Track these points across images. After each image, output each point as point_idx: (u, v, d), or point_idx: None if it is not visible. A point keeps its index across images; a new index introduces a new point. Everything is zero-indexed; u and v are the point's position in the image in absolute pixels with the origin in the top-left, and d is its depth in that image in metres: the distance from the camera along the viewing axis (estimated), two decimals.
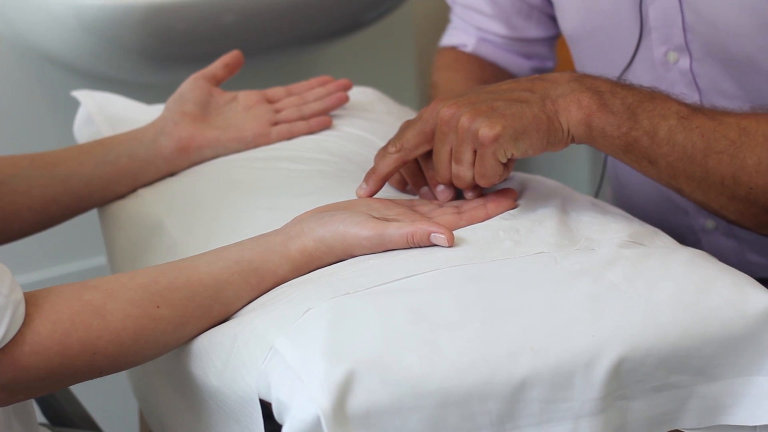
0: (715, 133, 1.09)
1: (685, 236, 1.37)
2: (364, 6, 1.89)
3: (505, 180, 1.11)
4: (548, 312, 0.94)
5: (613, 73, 1.31)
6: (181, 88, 1.30)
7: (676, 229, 1.35)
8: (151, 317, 0.97)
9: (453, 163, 1.08)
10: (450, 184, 1.11)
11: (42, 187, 1.22)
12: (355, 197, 1.12)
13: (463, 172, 1.07)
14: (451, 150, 1.07)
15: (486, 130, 1.04)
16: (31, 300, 0.94)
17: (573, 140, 1.09)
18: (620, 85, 1.10)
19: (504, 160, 1.06)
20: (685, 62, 1.26)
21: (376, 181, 1.12)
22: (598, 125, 1.08)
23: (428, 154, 1.12)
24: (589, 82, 1.09)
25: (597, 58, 1.35)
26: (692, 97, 1.26)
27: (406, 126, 1.12)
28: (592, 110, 1.07)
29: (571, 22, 1.37)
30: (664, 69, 1.28)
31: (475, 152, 1.06)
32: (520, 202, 1.11)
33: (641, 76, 1.29)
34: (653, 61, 1.29)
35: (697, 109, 1.10)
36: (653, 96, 1.10)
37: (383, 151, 1.12)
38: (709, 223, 1.35)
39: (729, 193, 1.11)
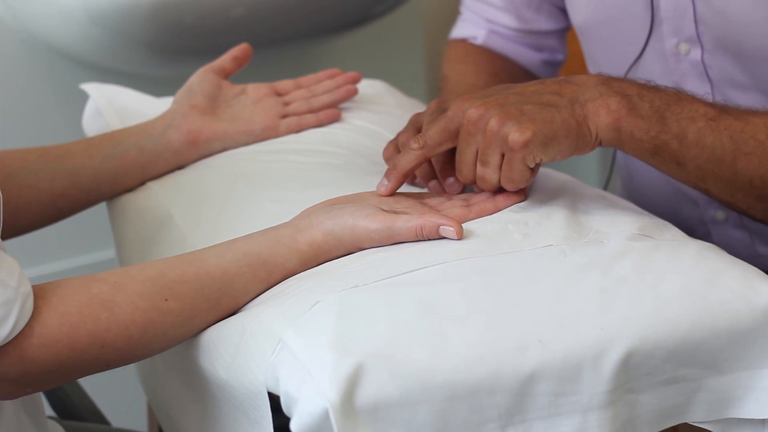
0: (744, 134, 1.08)
1: (695, 228, 1.36)
2: None
3: None
4: (557, 305, 0.94)
5: (623, 64, 1.30)
6: (190, 81, 1.30)
7: (686, 220, 1.34)
8: (159, 310, 0.97)
9: (479, 165, 1.06)
10: (472, 184, 1.10)
11: (50, 180, 1.22)
12: (364, 190, 1.11)
13: (489, 174, 1.06)
14: (477, 151, 1.07)
15: (516, 135, 1.03)
16: (40, 293, 0.94)
17: (600, 144, 1.08)
18: (647, 87, 1.09)
19: (532, 165, 1.05)
20: (696, 53, 1.26)
21: (397, 177, 1.10)
22: (627, 129, 1.07)
23: None
24: (617, 86, 1.08)
25: (607, 49, 1.35)
26: (703, 89, 1.26)
27: (429, 122, 1.11)
28: (621, 114, 1.06)
29: (582, 14, 1.37)
30: (675, 60, 1.28)
31: (502, 156, 1.05)
32: (529, 194, 1.11)
33: (652, 67, 1.29)
34: (664, 52, 1.28)
35: (723, 110, 1.10)
36: (680, 98, 1.09)
37: (395, 146, 1.11)
38: (720, 214, 1.35)
39: (757, 193, 1.10)
